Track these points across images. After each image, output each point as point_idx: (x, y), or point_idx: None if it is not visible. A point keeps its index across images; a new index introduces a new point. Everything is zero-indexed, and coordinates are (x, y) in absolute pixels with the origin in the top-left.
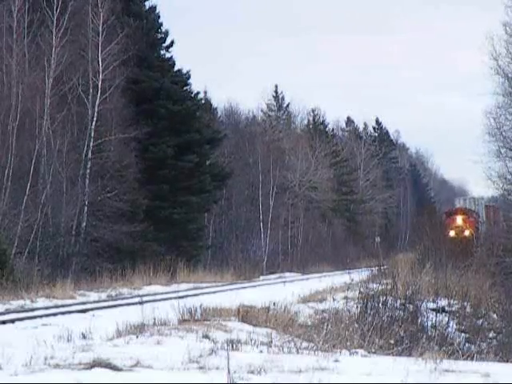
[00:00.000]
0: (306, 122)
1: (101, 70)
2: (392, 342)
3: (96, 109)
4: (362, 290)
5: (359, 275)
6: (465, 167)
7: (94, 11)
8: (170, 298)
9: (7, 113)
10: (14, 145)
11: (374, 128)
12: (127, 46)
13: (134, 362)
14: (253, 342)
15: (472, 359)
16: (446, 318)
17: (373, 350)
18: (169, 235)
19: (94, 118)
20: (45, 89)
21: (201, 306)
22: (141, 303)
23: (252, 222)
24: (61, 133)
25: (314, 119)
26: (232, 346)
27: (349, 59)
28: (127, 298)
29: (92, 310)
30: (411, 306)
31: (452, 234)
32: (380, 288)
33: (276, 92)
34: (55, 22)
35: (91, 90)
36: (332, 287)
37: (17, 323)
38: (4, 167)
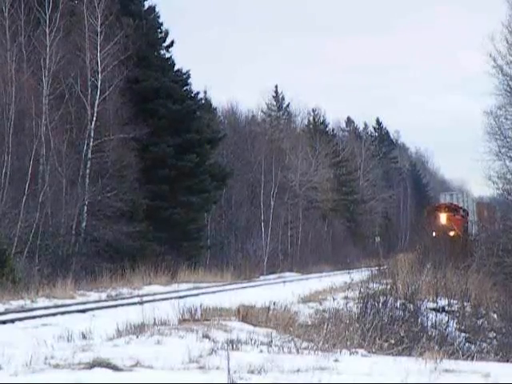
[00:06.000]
0: (306, 121)
1: (100, 70)
2: (392, 341)
3: (95, 108)
4: (362, 289)
5: (359, 275)
6: (465, 167)
7: (91, 11)
8: (170, 298)
9: (4, 112)
10: (11, 144)
11: (374, 128)
12: (126, 45)
13: (134, 362)
14: (253, 341)
15: (472, 359)
16: (446, 318)
17: (373, 350)
18: (169, 235)
19: (94, 118)
20: (41, 88)
21: (201, 306)
22: (141, 303)
23: (252, 222)
24: (59, 132)
25: (314, 119)
26: (232, 346)
27: (349, 59)
28: (127, 298)
29: (92, 309)
30: (411, 306)
31: (434, 234)
32: (380, 288)
33: (276, 92)
34: (48, 21)
35: (90, 90)
36: (332, 287)
37: (17, 323)
38: (2, 167)
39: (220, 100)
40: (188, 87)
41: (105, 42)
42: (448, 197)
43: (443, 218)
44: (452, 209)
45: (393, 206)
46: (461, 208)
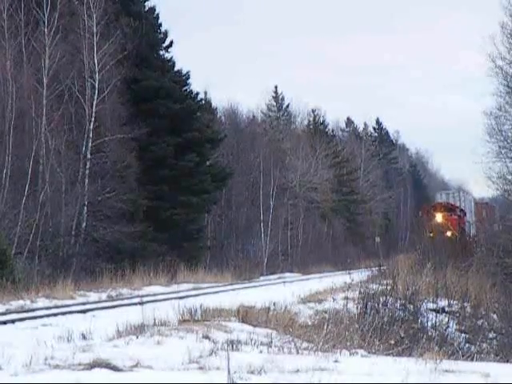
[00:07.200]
0: (306, 122)
1: (97, 70)
2: (392, 342)
3: (94, 109)
4: (362, 290)
5: (359, 275)
6: (465, 167)
7: (88, 12)
8: (170, 299)
9: (3, 112)
10: (11, 144)
11: (374, 128)
12: (124, 45)
13: (134, 363)
14: (253, 342)
15: (472, 359)
16: (446, 319)
17: (373, 351)
18: (169, 236)
19: (92, 118)
20: (41, 88)
21: (201, 307)
22: (141, 303)
23: (252, 223)
24: (59, 132)
25: (314, 119)
26: (232, 347)
27: (349, 59)
28: (127, 299)
29: (92, 310)
30: (411, 307)
31: (430, 234)
32: (380, 288)
33: (276, 92)
34: (46, 21)
35: (88, 90)
36: (332, 287)
37: (17, 323)
38: (2, 167)
39: (220, 100)
40: (188, 87)
41: (101, 41)
42: (444, 196)
43: (439, 217)
44: (449, 208)
45: (393, 207)
46: (458, 207)
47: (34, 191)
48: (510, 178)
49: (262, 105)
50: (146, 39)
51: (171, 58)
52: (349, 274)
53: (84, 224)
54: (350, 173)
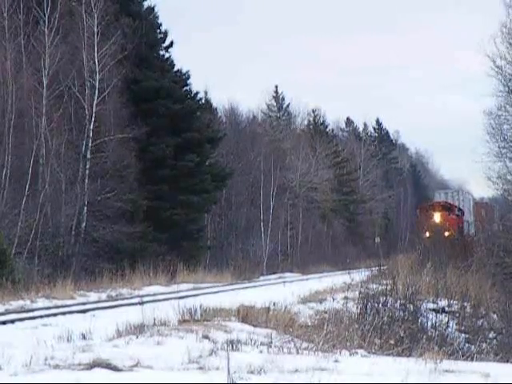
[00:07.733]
0: (306, 122)
1: (97, 70)
2: (392, 342)
3: (94, 109)
4: (361, 290)
5: (359, 275)
6: (465, 167)
7: (88, 12)
8: (170, 299)
9: (3, 112)
10: (11, 144)
11: (374, 128)
12: (124, 45)
13: (133, 363)
14: (253, 342)
15: (472, 359)
16: (446, 319)
17: (373, 351)
18: (169, 235)
19: (92, 118)
20: (41, 88)
21: (201, 307)
22: (141, 303)
23: (252, 222)
24: (59, 132)
25: (314, 119)
26: (232, 347)
27: (349, 59)
28: (127, 299)
29: (92, 310)
30: (411, 307)
31: (427, 234)
32: (380, 288)
33: (276, 92)
34: (47, 21)
35: (88, 90)
36: (332, 287)
37: (17, 323)
38: (2, 167)
39: (220, 100)
40: (188, 87)
41: (102, 41)
42: (443, 195)
43: (437, 217)
44: (447, 208)
45: (393, 207)
46: (456, 207)
47: (34, 191)
48: (509, 177)
49: (262, 105)
50: (145, 39)
51: (170, 57)
52: (348, 273)
53: (84, 224)
54: (350, 173)
